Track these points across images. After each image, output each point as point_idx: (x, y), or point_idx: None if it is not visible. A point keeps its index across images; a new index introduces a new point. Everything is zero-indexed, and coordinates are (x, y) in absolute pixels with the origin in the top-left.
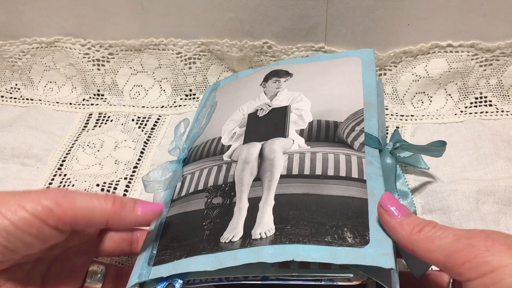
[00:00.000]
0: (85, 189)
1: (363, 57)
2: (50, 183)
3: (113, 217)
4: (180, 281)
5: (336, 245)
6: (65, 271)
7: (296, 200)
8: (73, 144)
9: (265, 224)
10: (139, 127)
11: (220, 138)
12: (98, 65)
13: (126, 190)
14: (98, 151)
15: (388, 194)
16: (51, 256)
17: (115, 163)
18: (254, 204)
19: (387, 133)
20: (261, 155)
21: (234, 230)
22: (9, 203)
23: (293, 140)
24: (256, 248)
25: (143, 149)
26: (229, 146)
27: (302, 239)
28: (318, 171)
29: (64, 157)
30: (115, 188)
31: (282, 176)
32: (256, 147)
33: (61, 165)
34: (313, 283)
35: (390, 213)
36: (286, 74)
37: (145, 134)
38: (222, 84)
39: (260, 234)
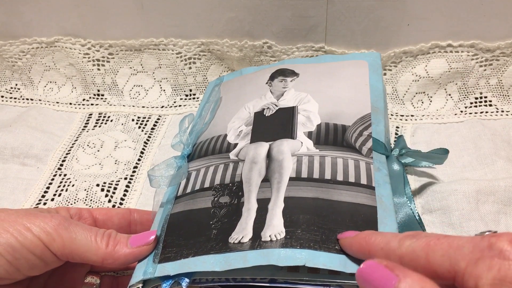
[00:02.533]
0: (85, 189)
1: (370, 61)
2: (50, 183)
3: (107, 257)
4: (187, 280)
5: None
6: (62, 285)
7: (306, 204)
8: (73, 144)
9: (275, 227)
10: (139, 127)
11: (225, 135)
12: (98, 65)
13: (126, 190)
14: (98, 151)
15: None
16: (48, 271)
17: (115, 163)
18: (263, 206)
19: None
20: (269, 155)
21: (243, 231)
22: (17, 223)
23: (302, 142)
24: (266, 250)
25: (143, 149)
26: (236, 145)
27: (313, 245)
28: (328, 176)
29: (64, 157)
30: (115, 188)
31: (291, 179)
32: (263, 147)
33: (61, 165)
34: None
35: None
36: (293, 73)
37: (145, 134)
38: (226, 80)
39: (270, 236)
